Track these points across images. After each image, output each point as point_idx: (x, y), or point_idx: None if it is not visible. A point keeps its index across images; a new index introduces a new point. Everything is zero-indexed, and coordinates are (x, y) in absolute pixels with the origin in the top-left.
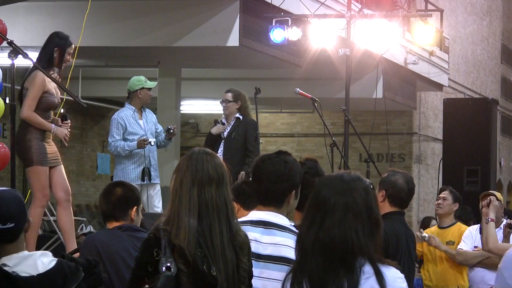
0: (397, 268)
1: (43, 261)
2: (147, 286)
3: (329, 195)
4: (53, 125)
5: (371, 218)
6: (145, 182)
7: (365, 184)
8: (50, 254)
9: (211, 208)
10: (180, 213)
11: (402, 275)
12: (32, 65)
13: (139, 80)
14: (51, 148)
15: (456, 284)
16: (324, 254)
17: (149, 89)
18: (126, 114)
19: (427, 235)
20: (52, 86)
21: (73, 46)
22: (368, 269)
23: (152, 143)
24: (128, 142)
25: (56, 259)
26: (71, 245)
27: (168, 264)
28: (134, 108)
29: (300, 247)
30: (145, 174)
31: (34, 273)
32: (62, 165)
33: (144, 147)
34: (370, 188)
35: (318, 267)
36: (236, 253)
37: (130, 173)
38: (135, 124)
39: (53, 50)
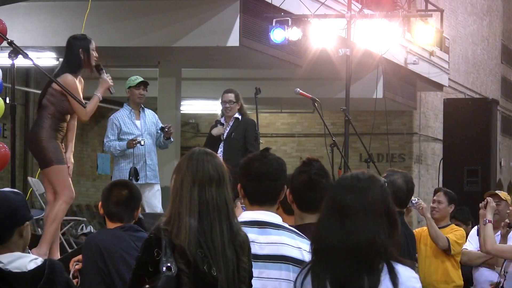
0: (413, 267)
1: (35, 262)
2: (147, 286)
3: (348, 198)
4: (97, 93)
5: (389, 218)
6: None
7: (381, 183)
8: (40, 259)
9: (212, 208)
10: (180, 213)
11: (417, 276)
12: (59, 67)
13: (129, 80)
14: (61, 147)
15: (443, 280)
16: (350, 256)
17: (138, 87)
18: (122, 114)
19: (415, 199)
20: (78, 92)
21: (93, 41)
22: (384, 268)
23: (142, 143)
24: (120, 142)
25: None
26: (42, 245)
27: (169, 264)
28: (130, 108)
29: (319, 247)
30: (131, 174)
31: (25, 270)
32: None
33: (133, 147)
34: (385, 186)
35: (343, 269)
36: (237, 253)
37: (127, 173)
38: (131, 124)
39: (79, 53)
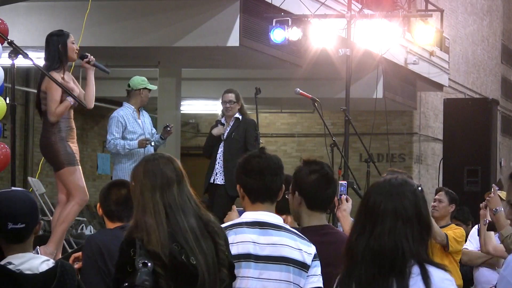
0: (447, 270)
1: (47, 263)
2: (126, 284)
3: (379, 202)
4: (68, 97)
5: (421, 222)
6: None
7: (413, 188)
8: (52, 260)
9: (175, 208)
10: (147, 221)
11: (451, 278)
12: (43, 68)
13: (143, 80)
14: (75, 148)
15: None
16: (374, 261)
17: (149, 91)
18: (126, 112)
19: None
20: (70, 85)
21: (71, 35)
22: (415, 269)
23: (153, 144)
24: (128, 141)
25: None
26: (50, 245)
27: (145, 261)
28: (133, 107)
29: (349, 253)
30: None
31: (37, 272)
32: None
33: (145, 147)
34: (418, 191)
35: (367, 274)
36: (213, 238)
37: (129, 173)
38: (135, 123)
39: (59, 49)
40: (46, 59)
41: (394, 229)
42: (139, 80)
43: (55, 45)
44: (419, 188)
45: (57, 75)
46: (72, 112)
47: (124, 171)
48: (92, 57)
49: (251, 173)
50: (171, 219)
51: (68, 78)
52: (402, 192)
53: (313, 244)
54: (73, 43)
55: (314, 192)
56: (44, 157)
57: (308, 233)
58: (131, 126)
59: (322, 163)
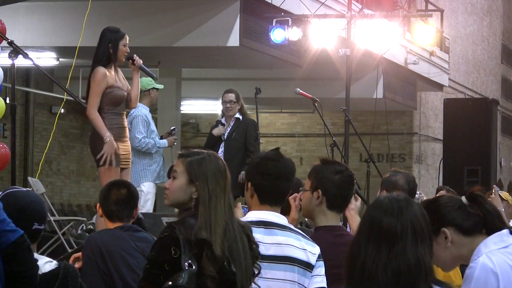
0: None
1: (50, 264)
2: (170, 283)
3: (388, 220)
4: (108, 133)
5: (430, 238)
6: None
7: (417, 203)
8: (55, 262)
9: (230, 214)
10: (217, 220)
11: None
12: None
13: (151, 80)
14: (125, 148)
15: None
16: (396, 281)
17: (157, 90)
18: (145, 112)
19: (418, 193)
20: (118, 79)
21: (126, 36)
22: None
23: (175, 144)
24: (160, 140)
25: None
26: None
27: (190, 261)
28: (148, 107)
29: (355, 274)
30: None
31: (40, 272)
32: (130, 169)
33: (172, 146)
34: (421, 206)
35: None
36: (248, 236)
37: (153, 172)
38: (152, 123)
39: (108, 47)
40: (96, 53)
41: (416, 245)
42: (147, 81)
43: (106, 42)
44: (421, 195)
45: (100, 72)
46: (123, 107)
47: (148, 171)
48: (139, 60)
49: (267, 176)
50: (228, 225)
51: (119, 77)
52: (411, 208)
53: (324, 243)
54: (124, 46)
55: (338, 192)
56: (91, 153)
57: (322, 231)
58: (152, 126)
59: (345, 165)
